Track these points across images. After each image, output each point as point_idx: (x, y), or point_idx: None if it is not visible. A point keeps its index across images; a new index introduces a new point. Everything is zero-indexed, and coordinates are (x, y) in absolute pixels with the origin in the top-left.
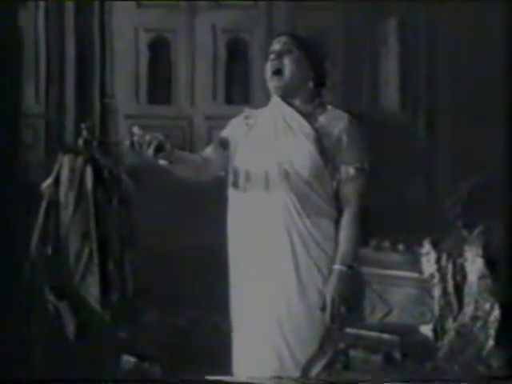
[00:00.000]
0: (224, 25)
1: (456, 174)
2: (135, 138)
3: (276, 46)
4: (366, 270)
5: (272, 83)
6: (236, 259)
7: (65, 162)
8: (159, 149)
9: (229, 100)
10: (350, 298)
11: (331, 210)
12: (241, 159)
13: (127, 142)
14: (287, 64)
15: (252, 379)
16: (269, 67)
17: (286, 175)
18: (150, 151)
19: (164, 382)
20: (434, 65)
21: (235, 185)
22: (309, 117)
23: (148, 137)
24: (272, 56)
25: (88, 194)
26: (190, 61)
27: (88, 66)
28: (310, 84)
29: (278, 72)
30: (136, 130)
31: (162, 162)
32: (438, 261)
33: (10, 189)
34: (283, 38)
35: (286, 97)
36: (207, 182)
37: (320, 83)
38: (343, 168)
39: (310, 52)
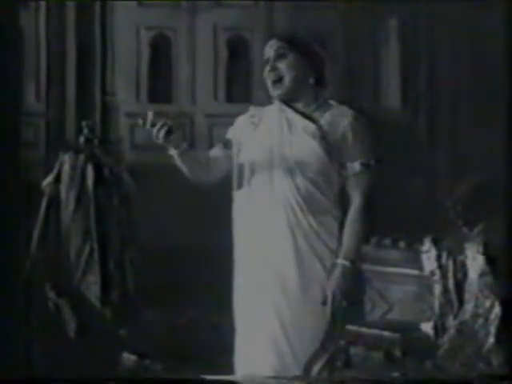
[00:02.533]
0: (225, 24)
1: (456, 173)
2: (148, 119)
3: (269, 52)
4: (366, 267)
5: (274, 91)
6: (240, 257)
7: (66, 160)
8: (169, 133)
9: (229, 98)
10: (352, 293)
11: (336, 208)
12: (246, 157)
13: (140, 121)
14: (284, 71)
15: (252, 378)
16: (266, 77)
17: (291, 173)
18: (162, 133)
19: (164, 380)
20: (434, 65)
21: (240, 183)
22: (313, 116)
23: (161, 120)
24: (268, 67)
25: (89, 193)
26: (191, 59)
27: (89, 64)
28: (311, 82)
29: (277, 81)
30: (150, 114)
31: (171, 152)
32: (439, 258)
33: (11, 187)
34: (275, 43)
35: (289, 101)
36: (213, 183)
37: (321, 79)
38: (349, 164)
39: (306, 51)
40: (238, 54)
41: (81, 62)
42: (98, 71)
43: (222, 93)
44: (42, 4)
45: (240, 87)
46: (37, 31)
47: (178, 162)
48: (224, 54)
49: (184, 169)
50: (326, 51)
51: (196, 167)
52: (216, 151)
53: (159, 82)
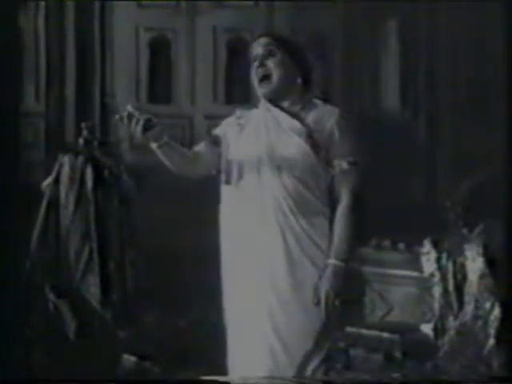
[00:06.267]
0: (225, 24)
1: (456, 173)
2: (125, 114)
3: (257, 49)
4: (366, 268)
5: (261, 89)
6: (228, 257)
7: (65, 161)
8: (148, 127)
9: (229, 100)
10: (345, 292)
11: (325, 208)
12: (233, 158)
13: (117, 116)
14: (273, 68)
15: (249, 379)
16: (254, 74)
17: (279, 172)
18: (139, 128)
19: (164, 382)
20: (434, 65)
21: (228, 183)
22: (299, 115)
23: (137, 114)
24: (256, 63)
25: (88, 194)
26: (191, 60)
27: (88, 65)
28: (298, 81)
29: (264, 78)
30: (129, 107)
31: (153, 145)
32: (439, 260)
33: (10, 188)
34: (263, 40)
35: (275, 100)
36: (199, 177)
37: (307, 79)
38: (336, 162)
39: (294, 52)
40: (237, 56)
41: (80, 62)
42: (98, 72)
43: (221, 94)
44: (42, 4)
45: (239, 88)
46: (36, 32)
47: (160, 155)
48: (224, 54)
49: (166, 162)
50: (313, 55)
51: (179, 160)
52: (203, 146)
53: (159, 83)
